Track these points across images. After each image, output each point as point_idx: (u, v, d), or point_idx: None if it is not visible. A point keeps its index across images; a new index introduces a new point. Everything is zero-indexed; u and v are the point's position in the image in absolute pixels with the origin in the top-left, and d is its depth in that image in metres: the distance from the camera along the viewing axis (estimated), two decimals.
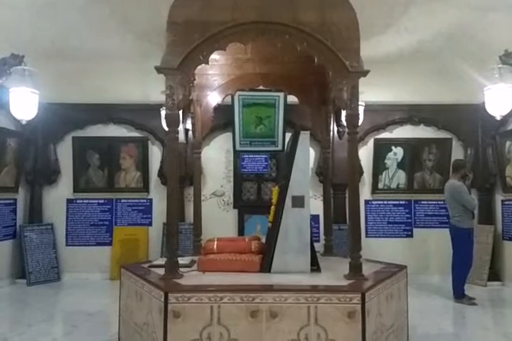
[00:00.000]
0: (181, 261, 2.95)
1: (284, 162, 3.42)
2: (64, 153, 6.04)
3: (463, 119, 5.96)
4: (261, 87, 4.17)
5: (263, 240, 3.32)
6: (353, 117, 2.73)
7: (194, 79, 2.75)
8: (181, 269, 2.81)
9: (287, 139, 5.97)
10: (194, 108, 3.79)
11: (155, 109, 5.71)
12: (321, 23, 2.71)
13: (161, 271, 2.76)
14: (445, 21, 5.30)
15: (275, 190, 3.46)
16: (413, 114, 6.04)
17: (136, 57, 5.70)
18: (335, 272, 2.81)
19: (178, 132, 2.74)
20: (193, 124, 3.89)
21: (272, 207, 3.16)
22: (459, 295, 4.72)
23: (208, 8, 2.71)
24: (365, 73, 2.71)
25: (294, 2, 2.74)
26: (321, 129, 3.92)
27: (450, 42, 5.54)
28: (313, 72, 3.76)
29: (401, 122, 6.11)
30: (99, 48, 5.57)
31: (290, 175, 2.86)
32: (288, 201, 2.86)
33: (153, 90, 5.83)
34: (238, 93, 5.43)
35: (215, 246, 2.96)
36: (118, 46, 5.59)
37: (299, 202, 2.85)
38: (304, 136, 2.90)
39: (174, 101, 2.66)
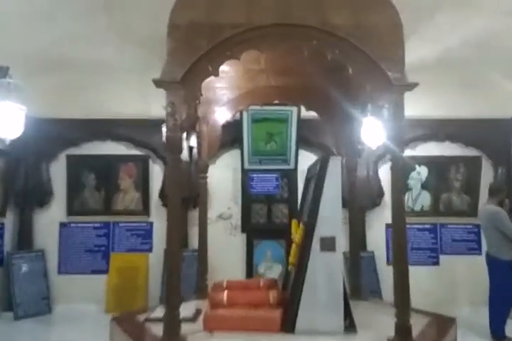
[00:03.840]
0: (183, 313, 2.42)
1: (306, 192, 2.89)
2: (57, 173, 5.53)
3: (493, 135, 5.43)
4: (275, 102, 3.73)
5: (278, 283, 2.81)
6: (396, 141, 2.22)
7: (201, 95, 2.25)
8: (184, 325, 2.27)
9: (300, 157, 5.55)
10: (200, 126, 3.28)
11: (156, 124, 5.20)
12: (356, 26, 2.21)
13: (159, 328, 2.23)
14: (473, 28, 4.82)
15: (295, 223, 2.94)
16: (437, 129, 5.51)
17: (136, 69, 5.27)
18: (374, 331, 2.27)
19: (181, 159, 2.23)
20: (199, 144, 3.38)
21: (294, 245, 2.64)
22: (499, 336, 4.16)
23: (217, 8, 2.22)
24: (411, 86, 2.21)
25: (323, 0, 2.25)
26: (345, 149, 3.40)
27: (478, 51, 5.06)
28: (337, 84, 3.29)
29: (424, 138, 5.59)
30: (95, 59, 5.15)
31: (317, 210, 2.33)
32: (315, 243, 2.33)
33: (154, 104, 5.31)
34: None
35: (224, 298, 2.41)
36: (116, 56, 5.17)
37: (328, 244, 2.31)
38: (335, 163, 2.38)
39: (177, 122, 2.16)
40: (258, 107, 4.94)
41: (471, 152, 5.56)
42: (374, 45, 2.19)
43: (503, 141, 5.42)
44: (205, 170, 3.41)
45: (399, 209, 2.20)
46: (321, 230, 2.32)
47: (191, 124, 2.23)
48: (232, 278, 2.92)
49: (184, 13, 2.23)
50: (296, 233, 2.62)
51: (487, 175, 5.43)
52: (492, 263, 4.25)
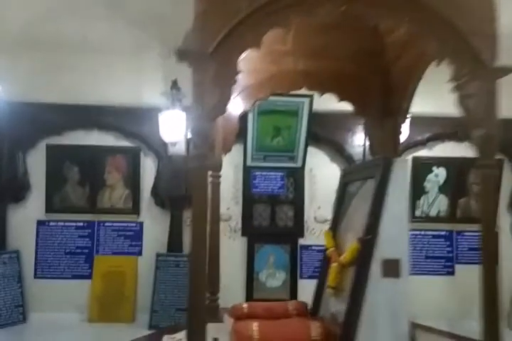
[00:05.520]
0: None
1: (343, 200, 2.39)
2: (35, 165, 4.88)
3: None
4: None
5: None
6: (488, 140, 1.74)
7: (237, 73, 1.72)
8: None
9: (308, 155, 5.05)
10: None
11: (150, 113, 4.68)
12: None
13: None
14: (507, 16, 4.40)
15: (328, 234, 2.47)
16: (457, 128, 5.08)
17: (128, 50, 4.78)
18: None
19: (207, 155, 1.71)
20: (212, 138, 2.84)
21: (334, 264, 2.15)
22: None
23: None
24: (508, 70, 1.73)
25: None
26: (382, 149, 2.91)
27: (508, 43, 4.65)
28: (376, 70, 2.82)
29: (442, 138, 5.16)
30: (82, 38, 4.61)
31: (378, 226, 1.84)
32: (375, 267, 1.84)
33: (148, 90, 4.81)
34: None
35: (255, 334, 1.90)
36: (106, 36, 4.65)
37: (392, 269, 1.84)
38: (401, 165, 1.89)
39: (205, 107, 1.63)
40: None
41: None
42: (463, 18, 1.70)
43: None
44: (218, 168, 2.88)
45: (490, 230, 1.74)
46: (383, 251, 1.84)
47: (222, 113, 1.71)
48: (251, 302, 2.44)
49: None
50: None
51: (508, 180, 5.05)
52: None
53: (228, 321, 2.40)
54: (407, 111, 2.79)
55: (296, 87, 2.89)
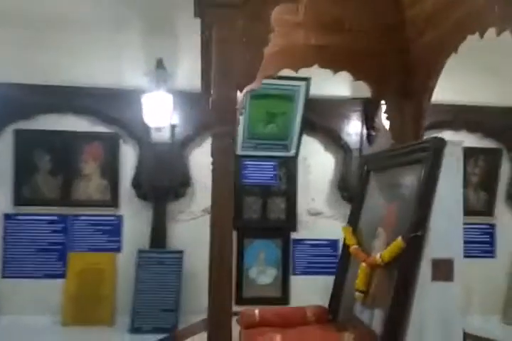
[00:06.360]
0: None
1: (366, 190, 2.10)
2: (2, 152, 4.40)
3: None
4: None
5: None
6: None
7: (272, 31, 1.39)
8: None
9: (303, 142, 4.72)
10: None
11: (131, 95, 4.29)
12: None
13: None
14: None
15: (347, 230, 2.18)
16: (454, 117, 4.89)
17: (107, 27, 4.41)
18: None
19: (232, 134, 1.38)
20: None
21: (363, 265, 1.86)
22: None
23: None
24: None
25: None
26: (400, 133, 2.63)
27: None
28: (397, 46, 2.53)
29: (439, 127, 4.94)
30: (57, 12, 4.23)
31: (428, 221, 1.55)
32: (424, 268, 1.55)
33: (129, 70, 4.40)
34: None
35: None
36: (83, 10, 4.29)
37: (444, 270, 1.56)
38: (454, 150, 1.60)
39: (232, 73, 1.29)
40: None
41: (489, 143, 5.00)
42: None
43: None
44: None
45: None
46: (434, 249, 1.55)
47: (252, 81, 1.37)
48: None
49: None
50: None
51: (506, 170, 4.91)
52: None
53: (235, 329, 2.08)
54: (431, 93, 2.52)
55: (307, 63, 2.57)
